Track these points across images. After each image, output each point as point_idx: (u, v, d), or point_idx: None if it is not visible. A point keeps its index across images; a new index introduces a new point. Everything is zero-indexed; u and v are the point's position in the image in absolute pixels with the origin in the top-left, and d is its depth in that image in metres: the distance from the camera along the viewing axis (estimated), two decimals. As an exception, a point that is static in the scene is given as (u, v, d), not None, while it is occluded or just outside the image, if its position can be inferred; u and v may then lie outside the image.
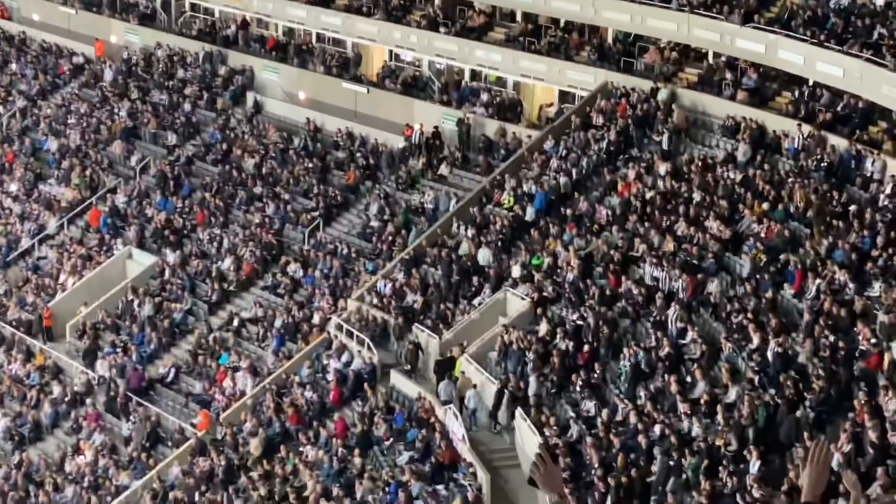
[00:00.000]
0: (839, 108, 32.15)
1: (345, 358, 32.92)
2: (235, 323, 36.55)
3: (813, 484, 5.65)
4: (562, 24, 39.67)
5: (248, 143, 42.89)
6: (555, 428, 27.05)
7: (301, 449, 30.82)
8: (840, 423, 23.88)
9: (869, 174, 30.13)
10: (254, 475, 30.59)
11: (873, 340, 24.91)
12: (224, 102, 44.86)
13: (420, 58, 42.58)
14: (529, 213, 34.36)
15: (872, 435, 22.69)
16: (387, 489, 28.30)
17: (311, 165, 40.80)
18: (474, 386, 29.84)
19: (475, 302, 32.59)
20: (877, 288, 26.33)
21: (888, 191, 29.30)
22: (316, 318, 35.13)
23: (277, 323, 35.74)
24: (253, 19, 46.89)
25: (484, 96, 40.26)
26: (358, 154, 40.71)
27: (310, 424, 31.60)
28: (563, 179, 34.84)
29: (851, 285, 26.71)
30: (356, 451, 29.63)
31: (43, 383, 37.22)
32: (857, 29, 32.25)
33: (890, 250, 27.29)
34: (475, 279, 33.14)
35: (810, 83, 33.08)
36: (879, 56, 30.76)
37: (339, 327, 33.68)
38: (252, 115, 44.11)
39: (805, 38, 32.83)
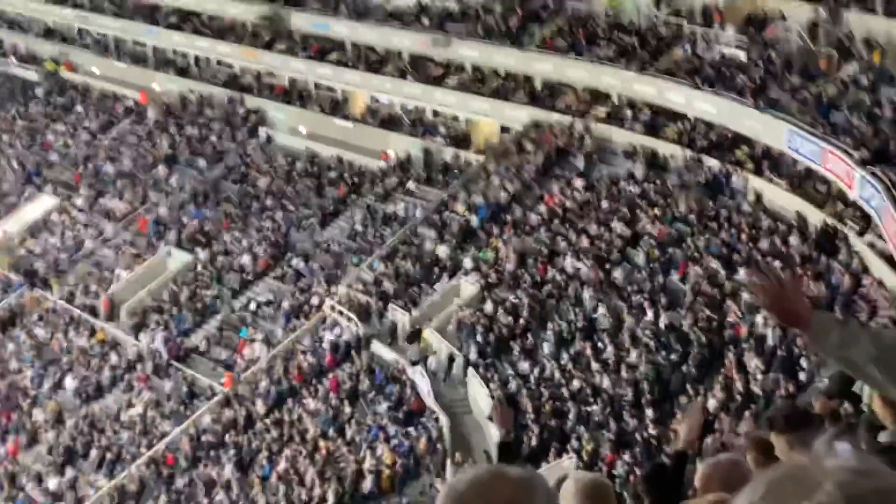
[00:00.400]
0: (713, 137, 32.25)
1: (337, 331, 32.76)
2: (253, 305, 36.32)
3: (686, 433, 5.47)
4: (502, 73, 39.52)
5: (261, 167, 42.63)
6: (498, 383, 27.02)
7: (304, 401, 30.67)
8: (715, 377, 24.02)
9: (735, 187, 30.31)
10: (267, 422, 30.42)
11: (739, 314, 25.10)
12: (242, 135, 44.54)
13: (393, 100, 42.36)
14: (477, 219, 34.28)
15: (740, 386, 22.86)
16: (370, 431, 28.21)
17: (309, 183, 40.60)
18: (435, 352, 29.78)
19: (437, 287, 32.50)
20: (741, 274, 26.49)
21: (749, 200, 29.56)
22: (315, 301, 34.97)
23: (285, 304, 35.54)
24: (265, 71, 46.50)
25: (442, 129, 40.13)
26: (346, 174, 40.51)
27: (310, 382, 31.44)
28: (503, 193, 34.77)
29: (723, 272, 26.87)
30: (346, 402, 29.52)
31: (103, 353, 36.86)
32: (726, 77, 32.35)
33: (750, 245, 27.52)
34: (436, 269, 33.05)
35: (691, 118, 33.15)
36: (743, 97, 30.91)
37: (333, 307, 33.52)
38: (264, 145, 43.82)
39: (686, 83, 32.88)
